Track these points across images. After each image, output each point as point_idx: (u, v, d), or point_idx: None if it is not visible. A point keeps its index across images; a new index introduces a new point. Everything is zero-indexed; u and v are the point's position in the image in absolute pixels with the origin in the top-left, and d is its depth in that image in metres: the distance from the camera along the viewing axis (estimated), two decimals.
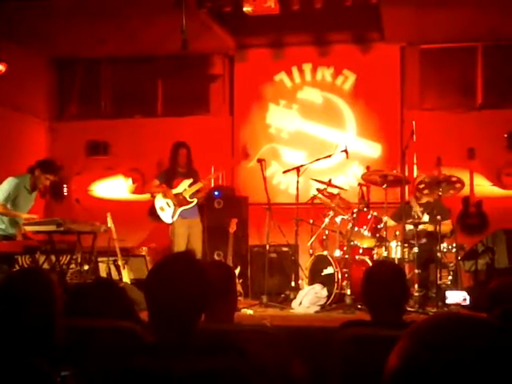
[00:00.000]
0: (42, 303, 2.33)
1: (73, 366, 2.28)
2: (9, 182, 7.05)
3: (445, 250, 6.90)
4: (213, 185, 9.21)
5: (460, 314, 1.11)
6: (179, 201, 7.72)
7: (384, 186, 7.21)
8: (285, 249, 8.41)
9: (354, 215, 7.30)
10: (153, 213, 9.61)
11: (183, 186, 7.77)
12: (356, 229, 7.26)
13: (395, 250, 6.98)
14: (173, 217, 7.69)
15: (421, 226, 7.06)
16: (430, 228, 7.03)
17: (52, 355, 2.25)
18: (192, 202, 7.77)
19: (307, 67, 9.98)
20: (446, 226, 7.19)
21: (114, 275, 7.73)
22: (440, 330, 1.06)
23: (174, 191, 7.75)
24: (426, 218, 7.28)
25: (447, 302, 6.54)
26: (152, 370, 1.85)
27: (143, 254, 8.98)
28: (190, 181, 7.79)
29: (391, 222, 7.42)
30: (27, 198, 7.13)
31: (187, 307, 1.91)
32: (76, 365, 2.28)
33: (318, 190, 7.79)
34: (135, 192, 10.21)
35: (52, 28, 8.83)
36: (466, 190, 8.10)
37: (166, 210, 7.74)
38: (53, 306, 2.35)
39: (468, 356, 1.01)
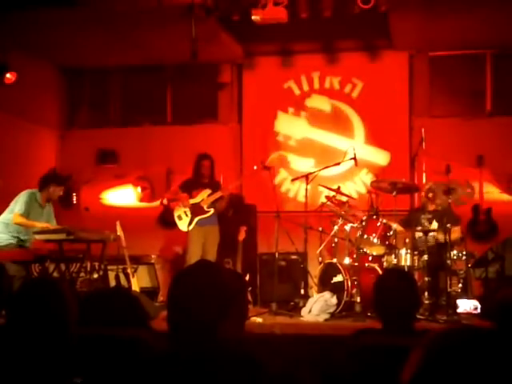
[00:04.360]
0: (54, 312, 2.33)
1: (84, 374, 2.28)
2: (25, 195, 7.10)
3: (455, 257, 6.89)
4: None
5: (471, 328, 1.11)
6: (196, 210, 7.83)
7: (393, 194, 7.21)
8: (294, 256, 8.41)
9: (364, 223, 7.29)
10: (162, 220, 9.66)
11: (201, 196, 7.88)
12: (365, 236, 7.25)
13: (405, 258, 6.97)
14: (189, 225, 7.79)
15: (430, 235, 7.04)
16: (440, 236, 7.00)
17: (64, 363, 2.25)
18: (209, 211, 7.88)
19: (316, 75, 9.99)
20: (456, 234, 7.17)
21: (124, 283, 7.74)
22: (452, 344, 1.07)
23: (192, 201, 7.85)
24: (435, 225, 7.27)
25: (458, 310, 6.52)
26: (164, 380, 1.85)
27: (152, 262, 9.01)
28: (209, 191, 7.88)
29: (400, 228, 7.41)
30: (39, 212, 7.16)
31: (208, 317, 1.92)
32: (88, 373, 2.29)
33: (326, 197, 7.79)
34: (144, 200, 10.23)
35: (61, 37, 8.87)
36: (475, 198, 8.08)
37: (183, 218, 7.87)
38: (65, 315, 2.35)
39: (480, 371, 1.02)
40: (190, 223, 7.80)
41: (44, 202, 7.21)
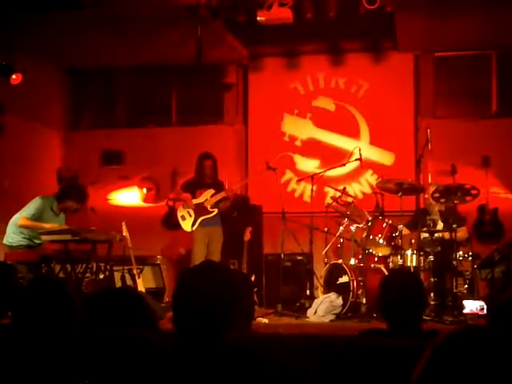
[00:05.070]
0: (60, 313, 2.34)
1: (91, 375, 2.28)
2: (36, 202, 7.14)
3: (460, 258, 6.87)
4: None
5: (478, 329, 1.11)
6: (200, 210, 7.83)
7: (399, 195, 7.19)
8: (299, 257, 8.40)
9: (369, 223, 7.28)
10: (167, 221, 9.66)
11: (205, 197, 7.88)
12: (371, 237, 7.24)
13: (411, 259, 6.95)
14: (193, 226, 7.81)
15: (437, 234, 7.03)
16: (446, 235, 6.98)
17: (70, 364, 2.25)
18: (212, 211, 7.87)
19: (321, 76, 9.99)
20: (462, 233, 7.15)
21: (129, 284, 7.74)
22: (459, 345, 1.07)
23: (196, 201, 7.86)
24: (440, 225, 7.25)
25: (464, 311, 6.50)
26: (170, 380, 1.85)
27: (158, 262, 9.01)
28: (213, 191, 7.87)
29: (406, 231, 7.40)
30: (52, 219, 7.18)
31: (214, 317, 1.92)
32: (94, 373, 2.29)
33: (332, 198, 7.79)
34: (150, 201, 10.23)
35: (67, 39, 8.88)
36: (481, 198, 8.06)
37: (186, 218, 7.87)
38: (71, 315, 2.36)
39: (486, 371, 1.02)
40: (193, 223, 7.81)
41: (58, 211, 7.24)
